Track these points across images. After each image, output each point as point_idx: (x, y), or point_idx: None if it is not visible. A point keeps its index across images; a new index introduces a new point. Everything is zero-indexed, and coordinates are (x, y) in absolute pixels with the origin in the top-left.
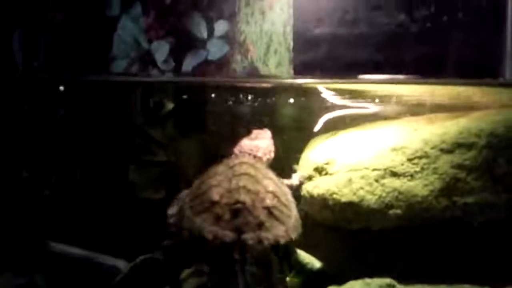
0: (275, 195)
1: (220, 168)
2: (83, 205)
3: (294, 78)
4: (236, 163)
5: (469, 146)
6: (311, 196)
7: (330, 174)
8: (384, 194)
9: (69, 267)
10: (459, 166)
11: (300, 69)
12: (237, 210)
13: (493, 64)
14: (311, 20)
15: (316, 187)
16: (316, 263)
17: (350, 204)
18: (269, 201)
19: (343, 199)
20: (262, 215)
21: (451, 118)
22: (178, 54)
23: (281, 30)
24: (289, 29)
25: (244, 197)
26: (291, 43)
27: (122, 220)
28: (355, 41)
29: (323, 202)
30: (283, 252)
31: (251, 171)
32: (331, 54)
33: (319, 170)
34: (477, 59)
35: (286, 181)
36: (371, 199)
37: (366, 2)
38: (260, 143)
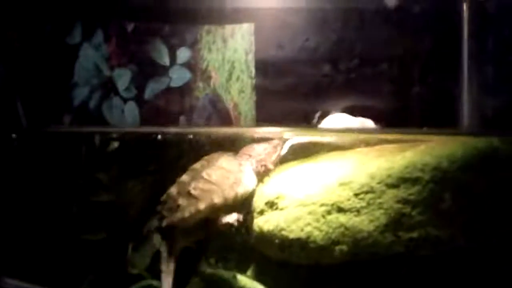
0: (206, 180)
1: None
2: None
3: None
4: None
5: (414, 181)
6: (261, 231)
7: (281, 209)
8: (330, 230)
9: None
10: (404, 201)
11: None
12: (164, 202)
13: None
14: None
15: (266, 222)
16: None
17: (297, 240)
18: (192, 186)
19: (291, 236)
20: (181, 200)
21: (399, 150)
22: (140, 82)
23: (243, 58)
24: (251, 56)
25: (172, 189)
26: (253, 70)
27: (64, 258)
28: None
29: (272, 238)
30: None
31: (204, 163)
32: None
33: (271, 205)
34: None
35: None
36: (318, 235)
37: None
38: (257, 146)
